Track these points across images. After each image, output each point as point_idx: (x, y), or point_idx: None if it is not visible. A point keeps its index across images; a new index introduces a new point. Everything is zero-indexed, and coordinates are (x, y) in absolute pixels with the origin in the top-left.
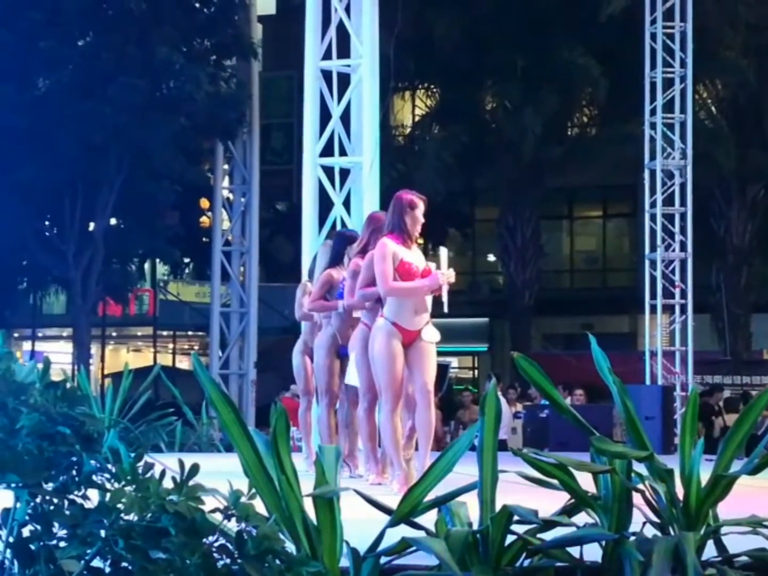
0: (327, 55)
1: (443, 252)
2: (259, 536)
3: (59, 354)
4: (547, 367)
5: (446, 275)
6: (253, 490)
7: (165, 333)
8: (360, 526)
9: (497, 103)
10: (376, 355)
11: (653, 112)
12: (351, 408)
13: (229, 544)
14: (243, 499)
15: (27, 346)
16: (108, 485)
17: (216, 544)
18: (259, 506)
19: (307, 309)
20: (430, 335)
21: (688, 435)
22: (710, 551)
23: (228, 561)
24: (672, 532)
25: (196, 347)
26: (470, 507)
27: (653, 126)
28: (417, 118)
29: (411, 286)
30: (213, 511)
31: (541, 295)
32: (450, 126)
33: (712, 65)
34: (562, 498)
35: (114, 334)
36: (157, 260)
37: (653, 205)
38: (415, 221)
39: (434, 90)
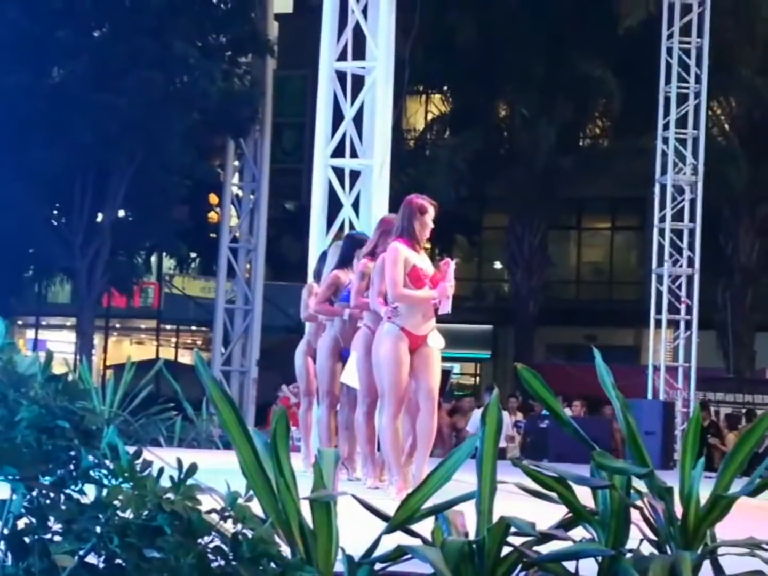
0: (342, 56)
1: (452, 264)
2: (255, 539)
3: (62, 343)
4: (549, 377)
5: (452, 286)
6: (251, 492)
7: (168, 327)
8: (356, 531)
9: (511, 111)
10: (382, 359)
11: (666, 127)
12: (351, 411)
13: (224, 546)
14: (240, 501)
15: (30, 334)
16: (105, 481)
17: (211, 545)
18: (256, 508)
19: (312, 310)
20: (436, 341)
21: (689, 453)
22: (707, 572)
23: (222, 563)
24: (669, 551)
25: (199, 342)
26: (468, 516)
27: (666, 140)
28: (430, 123)
29: (420, 295)
30: (210, 511)
31: (546, 304)
32: (463, 132)
33: (728, 82)
34: (560, 511)
35: (117, 325)
36: (164, 254)
37: (662, 219)
38: (425, 226)
39: (448, 95)
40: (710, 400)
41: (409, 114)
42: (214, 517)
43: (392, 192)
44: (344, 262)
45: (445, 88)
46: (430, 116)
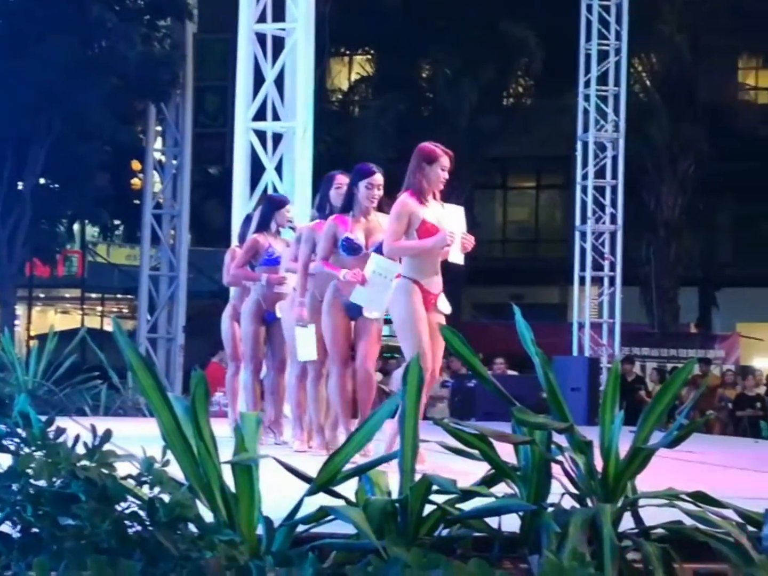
0: (262, 18)
1: (451, 208)
2: (172, 503)
3: None
4: (476, 336)
5: (454, 234)
6: (167, 457)
7: (93, 295)
8: (280, 493)
9: (435, 72)
10: (400, 318)
11: (587, 84)
12: (277, 375)
13: (141, 511)
14: (157, 466)
15: None
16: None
17: (128, 511)
18: (178, 473)
19: (230, 275)
20: (445, 305)
21: (608, 407)
22: (627, 523)
23: (140, 528)
24: (590, 504)
25: (125, 310)
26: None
27: (587, 98)
28: (354, 84)
29: (413, 245)
30: (125, 477)
31: (473, 264)
32: (387, 93)
33: (648, 39)
34: (483, 468)
35: (42, 295)
36: (87, 222)
37: (585, 177)
38: (433, 177)
39: (372, 56)
40: (636, 355)
41: (334, 76)
42: (131, 483)
43: (317, 154)
44: (263, 225)
45: (369, 49)
46: (354, 78)
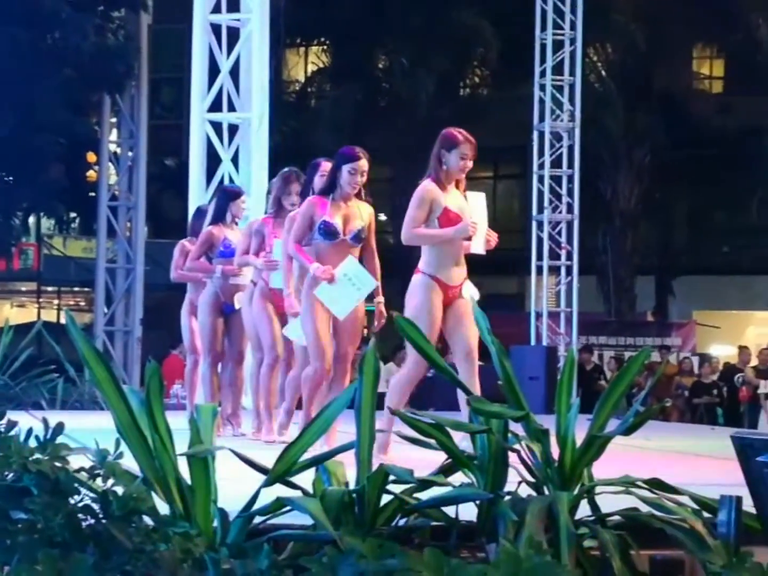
0: (216, 9)
1: (473, 197)
2: (125, 496)
3: None
4: None
5: (476, 225)
6: (121, 449)
7: (50, 288)
8: (237, 485)
9: (391, 62)
10: (413, 315)
11: (543, 74)
12: (235, 367)
13: (94, 505)
14: (110, 458)
15: None
16: None
17: (81, 505)
18: (134, 466)
19: (185, 267)
20: (473, 292)
21: (564, 395)
22: (584, 511)
23: (93, 521)
24: (547, 492)
25: (82, 303)
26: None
27: (543, 88)
28: (311, 75)
29: (432, 234)
30: (79, 470)
31: None
32: (343, 84)
33: (602, 29)
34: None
35: None
36: (42, 214)
37: (541, 166)
38: (454, 163)
39: (328, 47)
40: (593, 344)
41: (290, 67)
42: (84, 476)
43: (272, 145)
44: (218, 217)
45: (324, 40)
46: (310, 69)
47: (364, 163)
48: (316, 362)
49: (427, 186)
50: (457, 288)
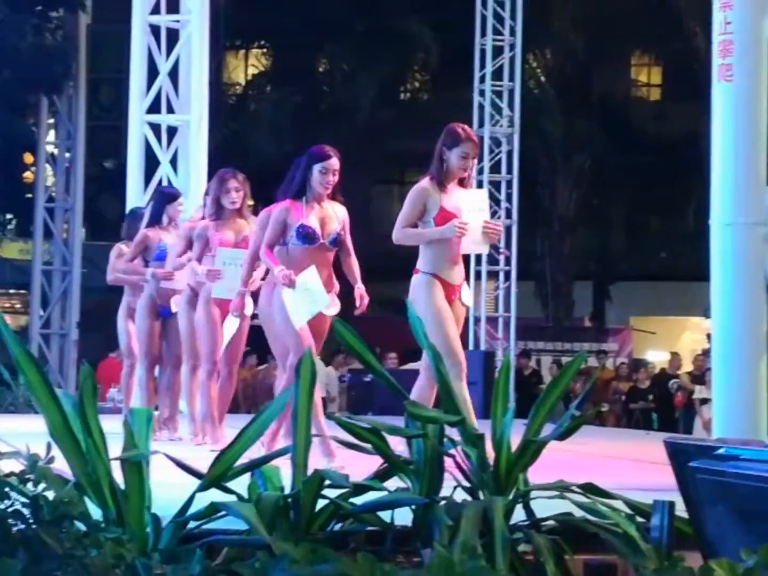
0: (156, 10)
1: (469, 195)
2: (56, 501)
3: None
4: (372, 331)
5: (465, 225)
6: (52, 453)
7: None
8: (172, 490)
9: (332, 67)
10: (424, 317)
11: (482, 79)
12: (173, 371)
13: (25, 509)
14: (41, 463)
15: None
16: None
17: (11, 510)
18: (68, 470)
19: (120, 270)
20: (468, 298)
21: (500, 400)
22: (519, 515)
23: (23, 527)
24: (482, 497)
25: (17, 305)
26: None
27: (482, 93)
28: (252, 78)
29: (421, 234)
30: (8, 475)
31: (371, 259)
32: (284, 87)
33: (542, 35)
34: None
35: None
36: None
37: (480, 172)
38: (453, 163)
39: (269, 50)
40: (531, 349)
41: (230, 69)
42: (15, 480)
43: (212, 148)
44: (154, 219)
45: (265, 43)
46: (251, 71)
47: (335, 162)
48: (296, 357)
49: (422, 185)
50: (457, 288)
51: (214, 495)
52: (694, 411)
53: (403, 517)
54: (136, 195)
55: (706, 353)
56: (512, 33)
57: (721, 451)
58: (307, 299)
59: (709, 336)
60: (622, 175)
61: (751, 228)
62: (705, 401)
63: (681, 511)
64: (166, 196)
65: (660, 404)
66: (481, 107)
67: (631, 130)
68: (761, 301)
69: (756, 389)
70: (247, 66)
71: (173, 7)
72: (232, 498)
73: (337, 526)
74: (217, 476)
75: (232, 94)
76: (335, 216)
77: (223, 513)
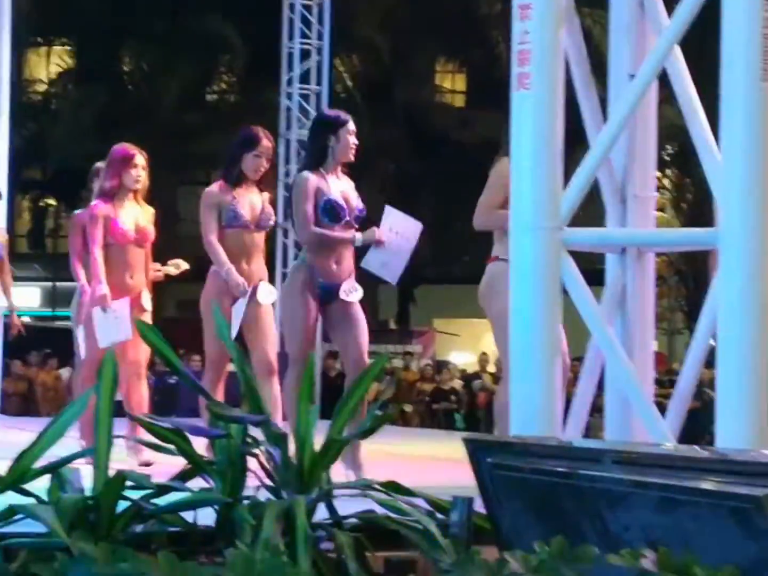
0: None
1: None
2: None
3: None
4: (178, 332)
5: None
6: None
7: None
8: None
9: (136, 66)
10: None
11: (290, 83)
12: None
13: None
14: None
15: None
16: None
17: None
18: None
19: None
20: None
21: (303, 400)
22: (322, 514)
23: None
24: (285, 496)
25: None
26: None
27: (289, 96)
28: (55, 76)
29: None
30: None
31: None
32: (88, 86)
33: (349, 39)
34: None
35: None
36: None
37: (287, 174)
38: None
39: (72, 47)
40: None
41: (32, 67)
42: None
43: (13, 147)
44: None
45: (68, 40)
46: (54, 69)
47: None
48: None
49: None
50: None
51: (13, 498)
52: None
53: (207, 517)
54: None
55: None
56: (320, 37)
57: (517, 447)
58: (400, 244)
59: None
60: (427, 181)
61: (548, 232)
62: None
63: (480, 507)
64: None
65: (465, 404)
66: (289, 110)
67: (434, 136)
68: (557, 304)
69: (551, 389)
70: (49, 63)
71: None
72: (31, 500)
73: (140, 528)
74: (14, 479)
75: (32, 91)
76: (353, 190)
77: (22, 516)
